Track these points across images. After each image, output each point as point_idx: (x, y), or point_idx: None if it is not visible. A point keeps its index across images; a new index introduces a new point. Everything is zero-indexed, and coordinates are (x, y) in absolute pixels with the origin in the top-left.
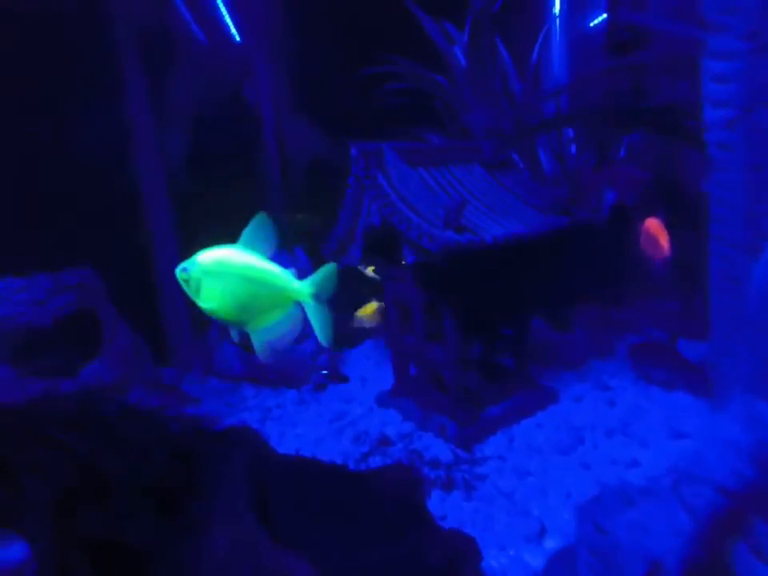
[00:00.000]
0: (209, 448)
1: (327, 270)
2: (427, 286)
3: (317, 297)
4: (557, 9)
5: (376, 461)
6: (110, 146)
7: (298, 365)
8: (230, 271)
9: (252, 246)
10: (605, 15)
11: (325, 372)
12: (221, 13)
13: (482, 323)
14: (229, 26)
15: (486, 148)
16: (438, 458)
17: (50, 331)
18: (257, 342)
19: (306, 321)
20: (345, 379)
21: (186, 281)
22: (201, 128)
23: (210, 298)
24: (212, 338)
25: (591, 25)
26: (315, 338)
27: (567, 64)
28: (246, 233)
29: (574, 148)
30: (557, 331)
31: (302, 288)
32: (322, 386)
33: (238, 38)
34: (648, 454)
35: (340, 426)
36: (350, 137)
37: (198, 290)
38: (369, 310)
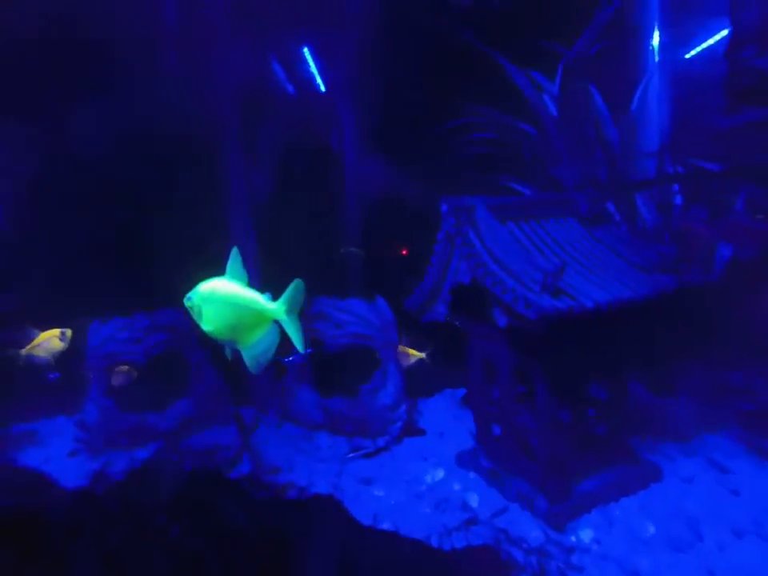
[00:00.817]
0: (293, 520)
1: (293, 288)
2: (519, 348)
3: (289, 313)
4: (655, 42)
5: (460, 537)
6: (205, 194)
7: (376, 416)
8: (220, 298)
9: (236, 277)
10: (704, 45)
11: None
12: (309, 67)
13: (576, 387)
14: (316, 79)
15: (579, 200)
16: (527, 538)
17: (144, 368)
18: (247, 356)
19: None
20: (421, 432)
21: (191, 307)
22: (287, 173)
23: (208, 321)
24: (289, 382)
25: (687, 56)
26: (393, 389)
27: (670, 108)
28: (229, 267)
29: (679, 198)
30: (658, 396)
31: (277, 308)
32: (398, 439)
33: (323, 89)
34: None
35: (419, 491)
36: (434, 185)
37: (200, 315)
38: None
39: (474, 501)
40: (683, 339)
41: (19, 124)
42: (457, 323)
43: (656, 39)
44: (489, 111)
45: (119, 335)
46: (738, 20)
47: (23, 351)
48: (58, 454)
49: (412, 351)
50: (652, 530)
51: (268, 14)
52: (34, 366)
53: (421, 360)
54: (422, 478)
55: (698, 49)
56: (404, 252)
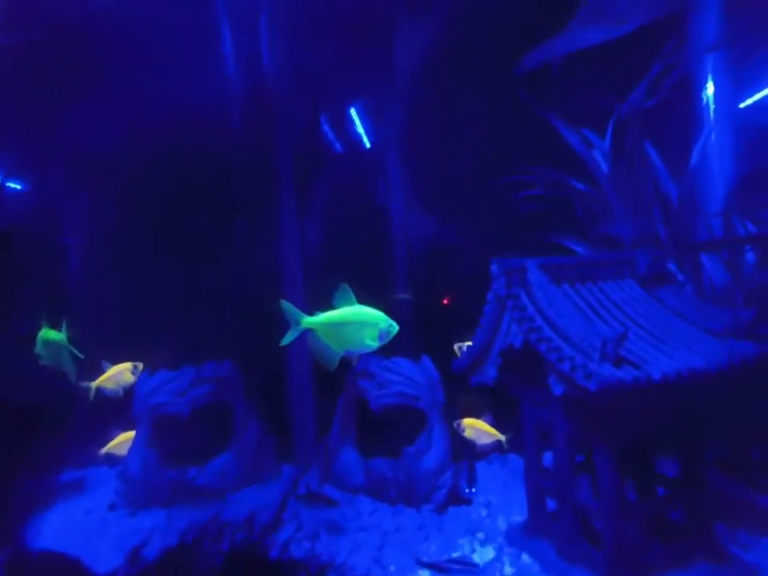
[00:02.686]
0: None
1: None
2: (577, 418)
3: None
4: (710, 93)
5: None
6: (260, 247)
7: (420, 482)
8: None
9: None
10: (762, 94)
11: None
12: (357, 125)
13: (642, 463)
14: (363, 135)
15: (639, 260)
16: None
17: (187, 420)
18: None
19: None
20: (467, 501)
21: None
22: (336, 228)
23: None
24: (333, 441)
25: (741, 106)
26: (439, 452)
27: (734, 162)
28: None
29: (752, 256)
30: (739, 484)
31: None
32: (443, 508)
33: (368, 145)
34: None
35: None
36: (485, 241)
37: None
38: (475, 424)
39: None
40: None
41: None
42: (508, 387)
43: (711, 90)
44: (541, 168)
45: (166, 387)
46: None
47: (93, 384)
48: (99, 506)
49: (491, 430)
50: None
51: (322, 75)
52: (103, 398)
53: (498, 442)
54: (470, 557)
55: (755, 98)
56: (446, 302)
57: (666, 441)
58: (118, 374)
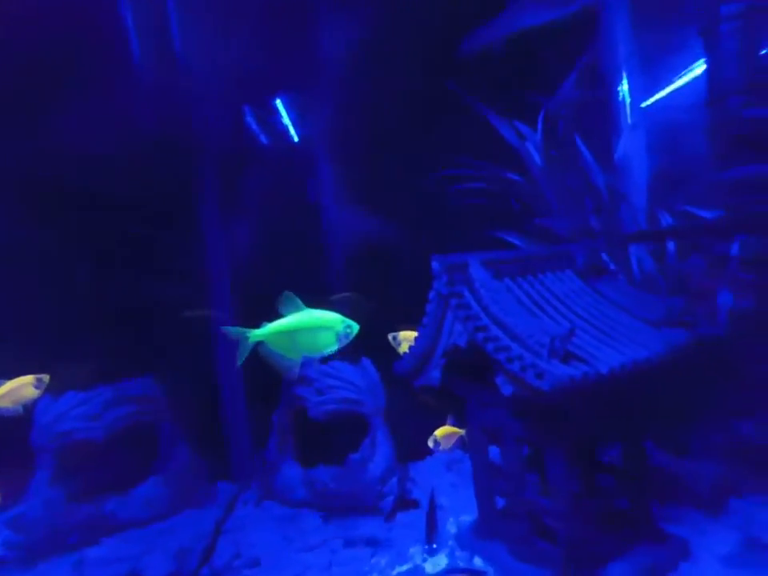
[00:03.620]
0: None
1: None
2: (526, 417)
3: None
4: (626, 91)
5: None
6: (183, 253)
7: (366, 490)
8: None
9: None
10: (663, 93)
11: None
12: (284, 119)
13: (591, 457)
14: (290, 131)
15: (576, 252)
16: None
17: (103, 446)
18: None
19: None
20: (415, 504)
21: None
22: (267, 228)
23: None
24: (272, 455)
25: (643, 105)
26: (383, 458)
27: (651, 157)
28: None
29: (672, 245)
30: (673, 457)
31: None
32: (392, 516)
33: (296, 141)
34: None
35: None
36: (423, 236)
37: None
38: (447, 432)
39: None
40: (696, 395)
41: None
42: (453, 389)
43: (626, 88)
44: (477, 162)
45: (74, 411)
46: (717, 71)
47: None
48: None
49: (457, 431)
50: None
51: (244, 68)
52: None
53: (462, 438)
54: (422, 567)
55: (656, 97)
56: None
57: (610, 432)
58: (17, 389)
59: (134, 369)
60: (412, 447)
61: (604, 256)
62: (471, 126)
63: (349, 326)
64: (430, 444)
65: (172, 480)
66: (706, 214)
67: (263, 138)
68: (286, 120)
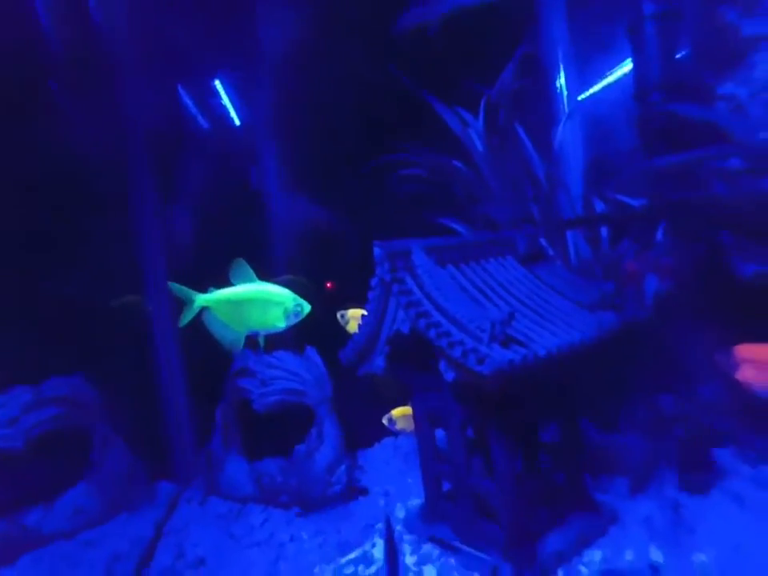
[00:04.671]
0: None
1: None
2: (468, 401)
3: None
4: (563, 83)
5: None
6: (114, 242)
7: (313, 481)
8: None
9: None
10: (598, 87)
11: None
12: (223, 101)
13: (531, 437)
14: (231, 114)
15: (518, 239)
16: None
17: (23, 454)
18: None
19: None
20: (364, 492)
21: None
22: (206, 216)
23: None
24: (216, 450)
25: (580, 98)
26: (330, 448)
27: (586, 147)
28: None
29: (605, 232)
30: (604, 433)
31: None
32: (340, 505)
33: (238, 124)
34: None
35: (369, 574)
36: (367, 223)
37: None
38: (405, 412)
39: None
40: (624, 374)
41: None
42: (398, 375)
43: (563, 80)
44: (420, 148)
45: None
46: (642, 68)
47: None
48: None
49: None
50: None
51: (179, 46)
52: None
53: None
54: (371, 553)
55: (592, 90)
56: (329, 286)
57: (548, 412)
58: None
59: (61, 367)
60: (361, 435)
61: (543, 242)
62: (412, 111)
63: (299, 305)
64: (384, 422)
65: (105, 484)
66: (633, 202)
67: (202, 120)
68: (226, 102)
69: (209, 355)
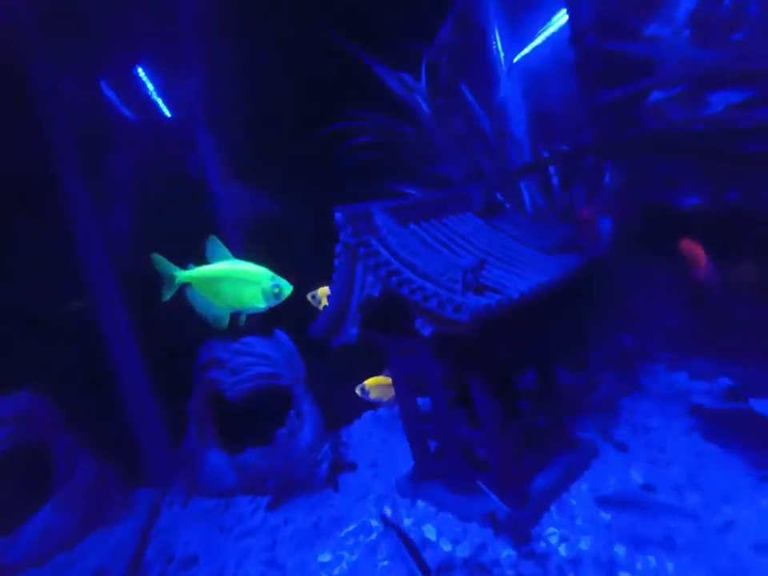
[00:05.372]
0: None
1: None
2: (448, 356)
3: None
4: (498, 40)
5: None
6: (49, 246)
7: (298, 462)
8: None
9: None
10: (536, 43)
11: None
12: (150, 89)
13: (511, 384)
14: (159, 104)
15: (473, 194)
16: (499, 560)
17: None
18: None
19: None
20: (352, 466)
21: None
22: (145, 211)
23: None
24: (192, 447)
25: (515, 61)
26: (311, 427)
27: (526, 100)
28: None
29: (556, 180)
30: (575, 374)
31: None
32: (329, 480)
33: (168, 113)
34: (739, 509)
35: (371, 543)
36: (318, 198)
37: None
38: (380, 382)
39: (431, 533)
40: (589, 313)
41: None
42: (373, 341)
43: (498, 36)
44: (366, 113)
45: None
46: (575, 14)
47: None
48: None
49: (389, 380)
50: (610, 515)
51: (96, 32)
52: None
53: None
54: (369, 523)
55: (526, 50)
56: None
57: (524, 357)
58: None
59: (7, 383)
60: (340, 412)
61: (498, 195)
62: (355, 78)
63: (278, 285)
64: (358, 392)
65: (74, 500)
66: (576, 146)
67: (128, 111)
68: (152, 89)
69: (171, 350)
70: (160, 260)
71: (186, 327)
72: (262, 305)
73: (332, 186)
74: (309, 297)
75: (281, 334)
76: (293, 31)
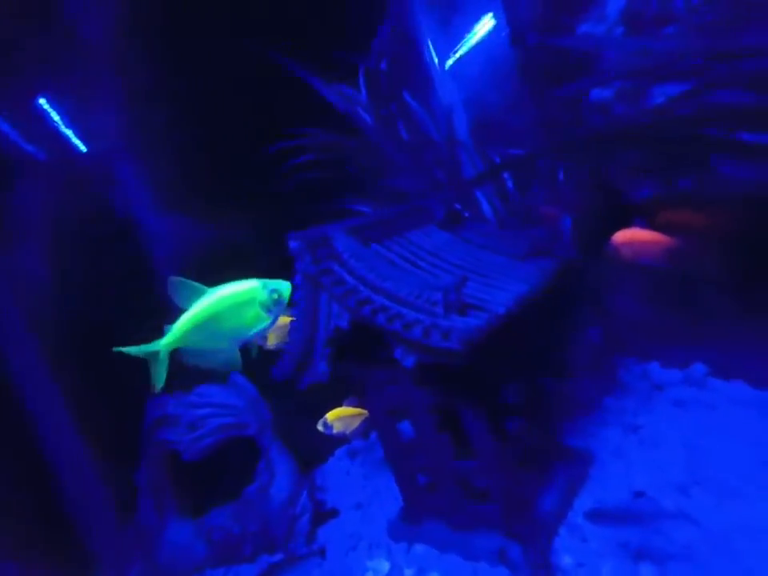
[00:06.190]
0: None
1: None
2: (434, 384)
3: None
4: (430, 43)
5: None
6: None
7: (277, 519)
8: None
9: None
10: (467, 47)
11: None
12: (58, 122)
13: (501, 404)
14: (69, 137)
15: (433, 206)
16: None
17: None
18: None
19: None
20: (335, 513)
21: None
22: (66, 254)
23: None
24: (148, 522)
25: (447, 66)
26: (285, 476)
27: (465, 107)
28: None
29: (511, 184)
30: (558, 380)
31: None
32: (312, 534)
33: (83, 147)
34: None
35: None
36: (266, 225)
37: None
38: (343, 413)
39: None
40: (567, 316)
41: None
42: (346, 377)
43: (431, 43)
44: (307, 130)
45: None
46: (514, 14)
47: None
48: None
49: (359, 411)
50: (624, 530)
51: None
52: None
53: (364, 424)
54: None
55: (458, 55)
56: None
57: (510, 373)
58: None
59: None
60: (310, 453)
61: (457, 205)
62: (291, 95)
63: (275, 290)
64: (320, 428)
65: None
66: (525, 149)
67: (30, 145)
68: (59, 121)
69: (113, 412)
70: (131, 349)
71: (130, 381)
72: (267, 320)
73: (280, 210)
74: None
75: (239, 378)
76: (221, 49)
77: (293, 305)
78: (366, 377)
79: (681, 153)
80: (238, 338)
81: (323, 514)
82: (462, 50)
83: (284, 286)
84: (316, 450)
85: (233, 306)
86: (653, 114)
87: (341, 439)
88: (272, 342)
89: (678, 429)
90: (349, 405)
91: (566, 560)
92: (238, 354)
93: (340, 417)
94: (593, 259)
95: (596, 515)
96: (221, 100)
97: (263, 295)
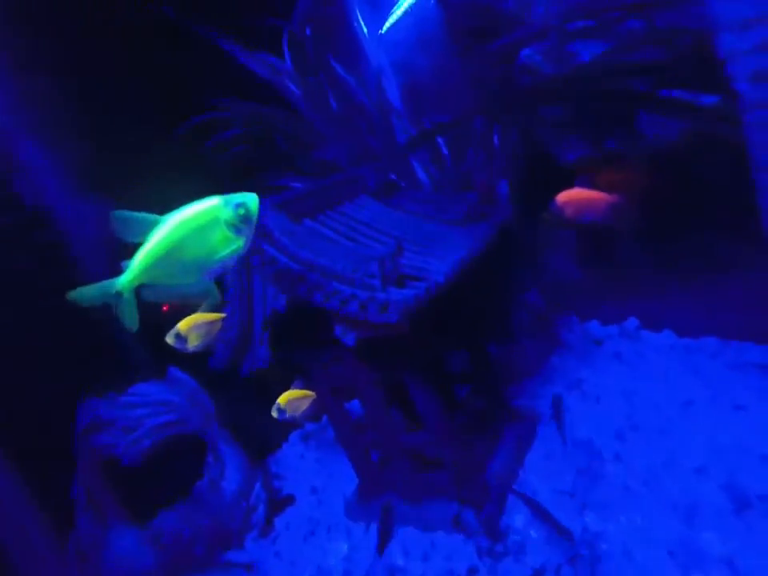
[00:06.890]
0: None
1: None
2: (378, 359)
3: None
4: (359, 17)
5: None
6: None
7: (229, 513)
8: None
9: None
10: (394, 17)
11: None
12: None
13: (446, 373)
14: None
15: (366, 175)
16: (476, 566)
17: None
18: None
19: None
20: (291, 500)
21: None
22: None
23: None
24: (88, 535)
25: (381, 32)
26: (235, 469)
27: (394, 75)
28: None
29: (446, 150)
30: (501, 344)
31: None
32: (269, 523)
33: None
34: (681, 440)
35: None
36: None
37: None
38: (292, 396)
39: (397, 556)
40: (505, 280)
41: None
42: (288, 359)
43: (359, 14)
44: (230, 102)
45: None
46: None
47: None
48: None
49: (307, 393)
50: (569, 478)
51: None
52: None
53: (314, 406)
54: (327, 564)
55: (389, 23)
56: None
57: (453, 340)
58: None
59: None
60: (262, 440)
61: (392, 174)
62: (212, 65)
63: (240, 205)
64: (274, 414)
65: None
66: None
67: None
68: None
69: (33, 416)
70: (79, 292)
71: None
72: (238, 241)
73: (206, 188)
74: (168, 338)
75: (176, 372)
76: (130, 17)
77: (225, 289)
78: (310, 358)
79: (607, 109)
80: (207, 266)
81: (280, 502)
82: (391, 15)
83: (250, 198)
84: (268, 436)
85: (194, 230)
86: (579, 71)
87: (292, 423)
88: (194, 342)
89: (614, 379)
90: (297, 387)
91: (518, 519)
92: (213, 286)
93: (290, 399)
94: (530, 222)
95: (544, 471)
96: (138, 73)
97: (227, 213)
